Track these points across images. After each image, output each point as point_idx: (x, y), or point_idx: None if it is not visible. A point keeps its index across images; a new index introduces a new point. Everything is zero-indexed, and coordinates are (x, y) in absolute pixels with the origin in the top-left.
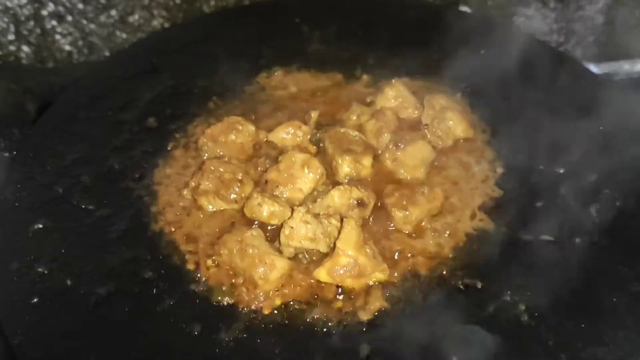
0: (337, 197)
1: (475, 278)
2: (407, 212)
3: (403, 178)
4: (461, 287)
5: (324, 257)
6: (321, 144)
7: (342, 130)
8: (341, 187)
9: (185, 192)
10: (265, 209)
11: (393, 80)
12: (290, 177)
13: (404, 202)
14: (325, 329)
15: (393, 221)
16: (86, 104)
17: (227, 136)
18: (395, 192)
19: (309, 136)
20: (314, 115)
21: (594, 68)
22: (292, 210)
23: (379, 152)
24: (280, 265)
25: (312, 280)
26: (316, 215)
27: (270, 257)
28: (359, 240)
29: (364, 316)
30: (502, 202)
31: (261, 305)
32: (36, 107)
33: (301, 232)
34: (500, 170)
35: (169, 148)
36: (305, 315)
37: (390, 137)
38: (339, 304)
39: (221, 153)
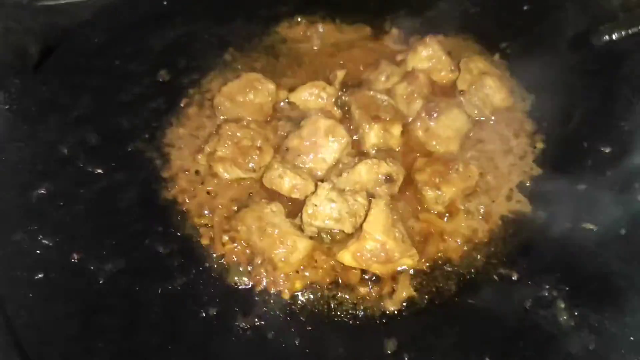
0: (364, 173)
1: (511, 268)
2: (440, 192)
3: (435, 151)
4: (495, 277)
5: (348, 237)
6: (347, 108)
7: (370, 94)
8: (368, 162)
9: (199, 157)
10: (287, 181)
11: (427, 39)
12: (313, 145)
13: (437, 180)
14: (348, 320)
15: (424, 200)
16: (92, 51)
17: (245, 95)
18: (426, 167)
19: (333, 99)
20: (340, 75)
21: None
22: (316, 185)
23: (410, 119)
24: (302, 246)
25: (335, 263)
26: (341, 192)
27: (292, 238)
28: (387, 223)
29: (391, 306)
30: (541, 183)
31: (280, 288)
32: (38, 49)
33: (326, 212)
34: (540, 145)
35: (182, 105)
36: (327, 303)
37: (423, 104)
38: (364, 291)
39: (238, 114)
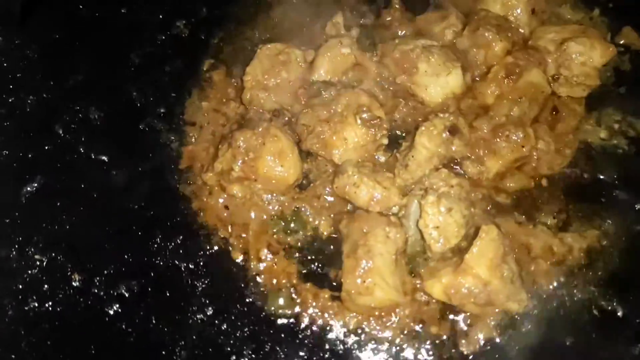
0: (427, 141)
1: (615, 300)
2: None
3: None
4: (595, 312)
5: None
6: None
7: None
8: (422, 127)
9: (207, 176)
10: (363, 192)
11: None
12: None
13: (480, 153)
14: None
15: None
16: None
17: (276, 75)
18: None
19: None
20: (339, 19)
21: None
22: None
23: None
24: (382, 297)
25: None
26: (448, 196)
27: (378, 281)
28: (495, 258)
29: (466, 348)
30: None
31: (330, 322)
32: None
33: (452, 226)
34: None
35: (204, 68)
36: (389, 342)
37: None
38: (435, 328)
39: (275, 100)
